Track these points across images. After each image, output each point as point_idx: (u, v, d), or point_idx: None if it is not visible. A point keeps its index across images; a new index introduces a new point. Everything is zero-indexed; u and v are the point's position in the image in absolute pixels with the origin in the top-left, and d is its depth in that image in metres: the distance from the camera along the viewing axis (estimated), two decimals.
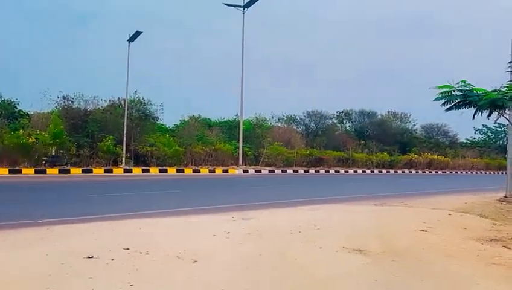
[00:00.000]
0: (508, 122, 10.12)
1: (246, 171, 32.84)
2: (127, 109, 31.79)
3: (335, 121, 59.94)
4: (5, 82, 72.11)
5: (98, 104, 33.22)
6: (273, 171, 35.04)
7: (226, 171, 32.16)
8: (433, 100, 7.15)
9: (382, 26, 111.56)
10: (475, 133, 72.97)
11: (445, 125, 65.63)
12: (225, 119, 46.75)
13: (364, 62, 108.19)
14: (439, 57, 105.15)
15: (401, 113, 63.30)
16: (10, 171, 23.73)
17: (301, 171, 37.86)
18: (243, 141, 35.43)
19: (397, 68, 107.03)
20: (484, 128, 70.29)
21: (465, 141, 70.73)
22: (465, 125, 42.29)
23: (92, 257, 5.43)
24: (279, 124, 52.47)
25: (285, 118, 54.92)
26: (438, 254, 6.66)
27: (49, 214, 8.96)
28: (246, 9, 33.01)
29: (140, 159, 31.82)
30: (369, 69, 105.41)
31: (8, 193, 14.26)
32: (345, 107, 62.38)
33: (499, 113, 7.53)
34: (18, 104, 31.26)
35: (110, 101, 33.81)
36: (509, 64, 9.08)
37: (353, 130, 58.94)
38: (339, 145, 49.71)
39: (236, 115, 35.54)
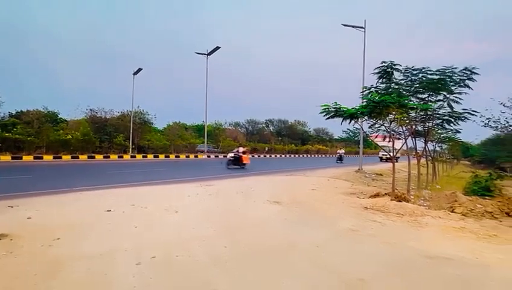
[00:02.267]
0: (359, 126, 10.65)
1: (209, 156, 32.43)
2: (132, 117, 30.67)
3: (264, 125, 60.48)
4: (50, 97, 66.51)
5: (113, 114, 31.92)
6: (226, 156, 34.84)
7: (196, 156, 31.59)
8: (319, 113, 7.35)
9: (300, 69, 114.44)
10: (343, 133, 76.10)
11: (326, 128, 69.00)
12: (196, 124, 46.00)
13: (286, 88, 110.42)
14: (326, 88, 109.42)
15: (302, 121, 65.11)
16: (54, 158, 22.13)
17: None
18: (207, 138, 35.01)
19: (303, 93, 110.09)
20: (348, 130, 73.61)
21: (337, 137, 73.74)
22: (338, 128, 44.58)
23: (110, 210, 5.21)
24: (230, 127, 52.35)
25: (233, 123, 55.19)
26: (321, 202, 6.97)
27: (81, 184, 8.42)
28: (208, 56, 32.49)
29: (141, 150, 31.06)
30: (289, 96, 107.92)
31: (52, 172, 13.16)
32: (269, 116, 63.77)
33: (355, 121, 7.81)
34: (59, 113, 29.08)
35: (121, 112, 32.62)
36: (361, 92, 9.35)
37: (275, 131, 59.69)
38: (266, 140, 50.48)
39: (203, 121, 35.02)
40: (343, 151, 30.24)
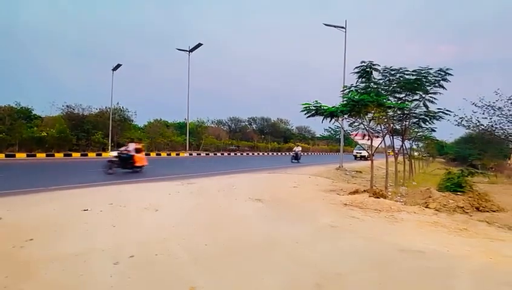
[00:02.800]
0: (339, 125, 10.87)
1: (191, 154, 32.09)
2: (111, 114, 29.86)
3: (246, 123, 60.47)
4: (22, 93, 63.46)
5: (91, 111, 30.83)
6: (208, 154, 34.75)
7: (178, 154, 31.16)
8: (300, 111, 7.43)
9: (282, 67, 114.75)
10: (324, 131, 76.99)
11: (309, 126, 69.69)
12: (178, 121, 45.27)
13: (270, 86, 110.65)
14: (309, 86, 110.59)
15: (285, 119, 65.54)
16: (28, 156, 21.27)
17: (226, 153, 37.89)
18: (189, 135, 34.53)
19: (286, 91, 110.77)
20: (329, 128, 74.28)
21: (319, 135, 74.70)
22: (320, 126, 45.23)
23: (86, 209, 5.07)
24: (212, 125, 51.97)
25: (216, 121, 54.82)
26: (301, 199, 7.07)
27: (56, 183, 8.13)
28: (190, 52, 32.06)
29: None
30: (271, 95, 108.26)
31: (26, 170, 12.62)
32: (252, 114, 63.81)
33: (335, 120, 7.94)
34: (33, 110, 27.84)
35: (99, 109, 31.59)
36: (341, 91, 9.45)
37: (258, 129, 59.79)
38: (249, 138, 50.49)
39: (185, 119, 34.50)
40: (300, 149, 26.64)
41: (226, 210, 5.66)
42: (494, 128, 16.45)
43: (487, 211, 6.76)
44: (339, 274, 2.91)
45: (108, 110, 30.47)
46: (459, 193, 7.78)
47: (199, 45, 31.84)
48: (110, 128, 28.93)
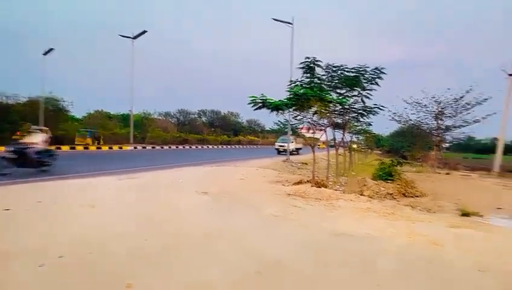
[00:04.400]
0: (287, 118, 11.23)
1: (135, 148, 30.38)
2: (44, 104, 26.89)
3: (196, 116, 59.28)
4: None
5: (18, 100, 27.41)
6: (155, 147, 33.23)
7: (120, 147, 29.28)
8: (247, 104, 7.49)
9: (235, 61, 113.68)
10: (274, 124, 78.85)
11: (258, 119, 70.67)
12: (121, 113, 42.46)
13: (219, 79, 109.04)
14: (259, 81, 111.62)
15: (235, 112, 65.61)
16: None
17: (173, 147, 36.68)
18: (134, 127, 32.63)
19: (236, 84, 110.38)
20: (279, 121, 76.25)
21: (269, 129, 76.16)
22: (269, 119, 46.05)
23: (8, 209, 4.54)
24: (160, 117, 49.96)
25: (164, 113, 52.81)
26: (248, 191, 7.20)
27: None
28: (134, 40, 30.17)
29: (58, 140, 27.29)
30: (222, 87, 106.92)
31: None
32: (202, 107, 62.60)
33: (281, 113, 8.15)
34: None
35: (28, 98, 28.23)
36: (288, 85, 9.69)
37: (207, 122, 59.01)
38: (198, 131, 49.53)
39: (129, 110, 32.45)
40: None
41: (170, 204, 5.52)
42: (420, 123, 18.54)
43: (412, 197, 7.61)
44: (278, 261, 3.05)
45: (40, 99, 27.37)
46: (389, 181, 8.62)
47: (143, 32, 30.18)
48: (43, 120, 25.97)
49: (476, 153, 42.57)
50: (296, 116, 9.86)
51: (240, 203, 5.86)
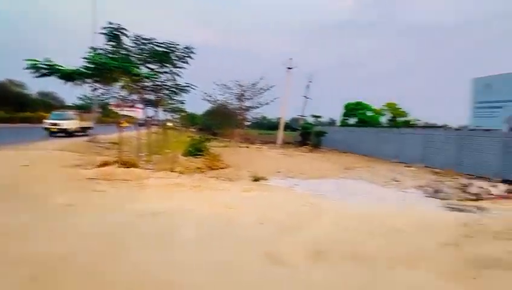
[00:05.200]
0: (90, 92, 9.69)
1: None
2: None
3: None
4: None
5: None
6: None
7: None
8: (25, 68, 5.85)
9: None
10: (78, 99, 66.73)
11: (56, 92, 57.37)
12: None
13: None
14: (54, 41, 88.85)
15: (19, 81, 50.42)
16: None
17: None
18: None
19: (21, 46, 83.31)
20: (85, 96, 64.87)
21: (71, 104, 63.79)
22: (72, 93, 38.30)
23: None
24: None
25: None
26: (34, 180, 5.72)
27: None
28: None
29: None
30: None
31: None
32: None
33: (78, 84, 6.94)
34: None
35: None
36: (88, 53, 8.23)
37: None
38: None
39: None
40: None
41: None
42: (227, 104, 20.96)
43: (217, 169, 8.50)
44: (64, 258, 2.58)
45: None
46: (199, 156, 9.24)
47: None
48: None
49: (268, 129, 52.87)
50: (95, 89, 8.62)
51: (19, 196, 4.56)
